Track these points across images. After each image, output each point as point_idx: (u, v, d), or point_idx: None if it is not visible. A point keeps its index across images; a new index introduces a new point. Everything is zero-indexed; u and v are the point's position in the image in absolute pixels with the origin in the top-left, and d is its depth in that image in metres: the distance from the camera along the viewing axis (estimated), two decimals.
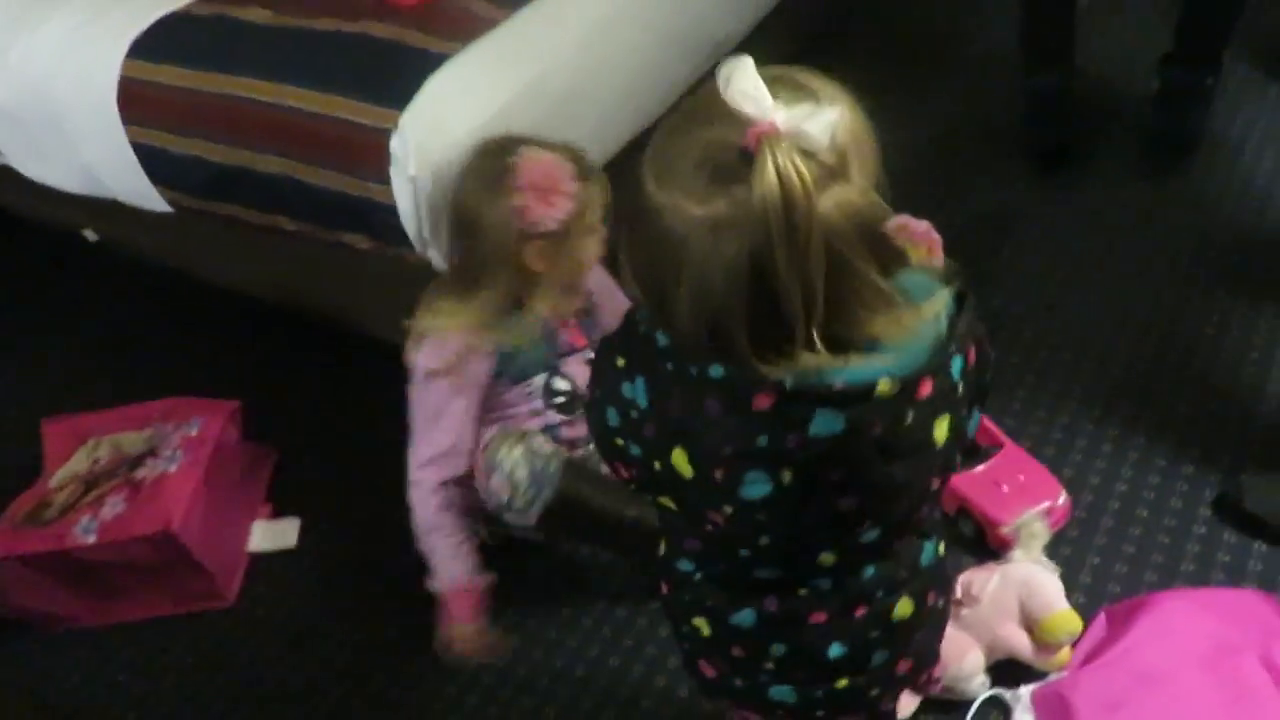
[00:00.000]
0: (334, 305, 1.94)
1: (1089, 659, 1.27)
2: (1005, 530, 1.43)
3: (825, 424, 0.75)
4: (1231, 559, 1.43)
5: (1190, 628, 1.25)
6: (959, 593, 1.36)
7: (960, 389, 0.80)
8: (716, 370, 0.75)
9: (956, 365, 0.79)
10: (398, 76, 1.52)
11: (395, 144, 1.48)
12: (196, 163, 1.73)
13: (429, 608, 1.46)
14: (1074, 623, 1.29)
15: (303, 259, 1.84)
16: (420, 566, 1.43)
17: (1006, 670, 1.33)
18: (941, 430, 0.79)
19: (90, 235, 2.26)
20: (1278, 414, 1.59)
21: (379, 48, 1.57)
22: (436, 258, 1.58)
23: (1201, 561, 1.43)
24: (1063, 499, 1.48)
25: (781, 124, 0.68)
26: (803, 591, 0.89)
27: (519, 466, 1.36)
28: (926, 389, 0.77)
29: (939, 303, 0.77)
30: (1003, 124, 2.19)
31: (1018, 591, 1.32)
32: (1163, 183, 2.03)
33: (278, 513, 1.79)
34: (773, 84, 0.70)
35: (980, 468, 1.51)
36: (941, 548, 0.96)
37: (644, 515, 1.35)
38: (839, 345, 0.73)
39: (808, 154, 0.69)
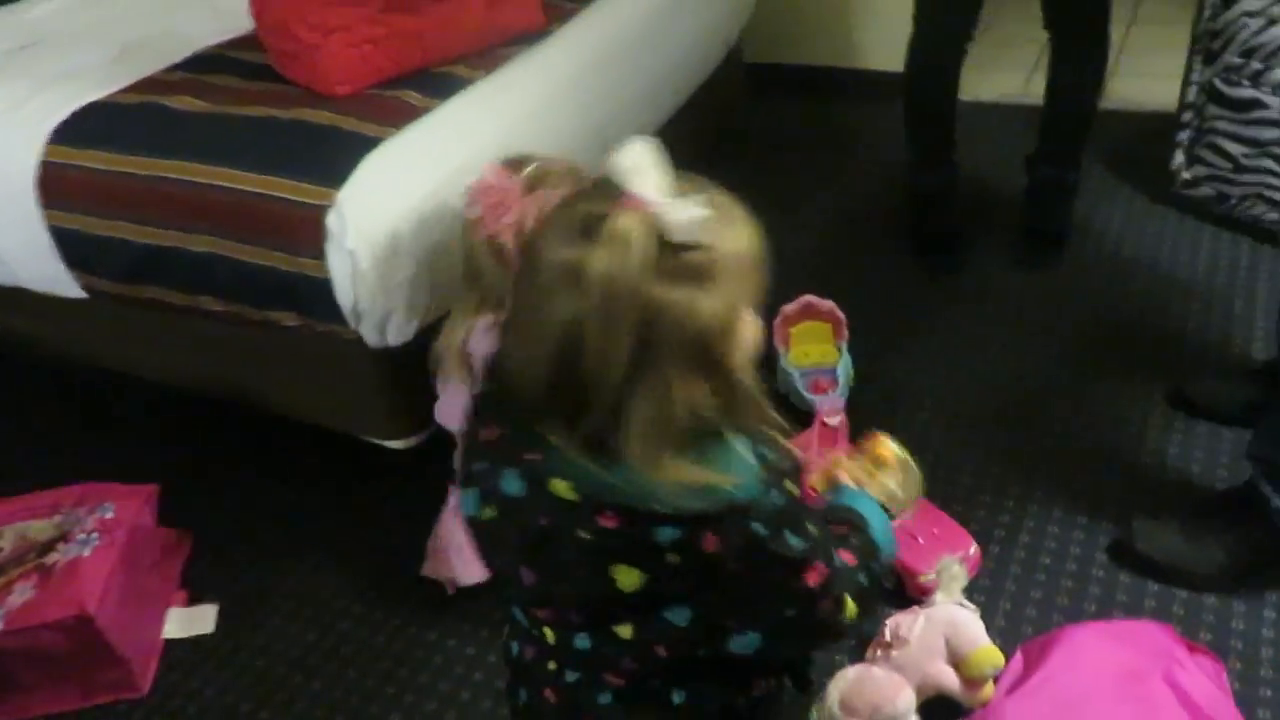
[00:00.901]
0: (250, 388, 1.92)
1: (1010, 691, 1.34)
2: (924, 579, 1.51)
3: (509, 484, 0.79)
4: (1128, 598, 1.54)
5: (1100, 655, 1.34)
6: (887, 635, 1.42)
7: (669, 560, 0.76)
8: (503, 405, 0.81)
9: (667, 533, 0.75)
10: (333, 157, 1.58)
11: (332, 219, 1.53)
12: (119, 245, 1.73)
13: (351, 694, 1.47)
14: (997, 656, 1.36)
15: (220, 343, 1.84)
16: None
17: (936, 712, 1.39)
18: (624, 577, 0.77)
19: None
20: (1156, 469, 1.74)
21: (313, 131, 1.63)
22: (369, 332, 1.61)
23: (1102, 601, 1.54)
24: (974, 549, 1.57)
25: (648, 201, 0.70)
26: (530, 649, 0.93)
27: None
28: (609, 522, 0.75)
29: (723, 480, 0.74)
30: (892, 218, 2.38)
31: (943, 630, 1.39)
32: (1037, 269, 2.22)
33: (194, 599, 1.74)
34: (673, 177, 0.73)
35: (896, 524, 1.59)
36: None
37: None
38: (592, 444, 0.73)
39: (667, 242, 0.70)
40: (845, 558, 0.92)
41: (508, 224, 1.40)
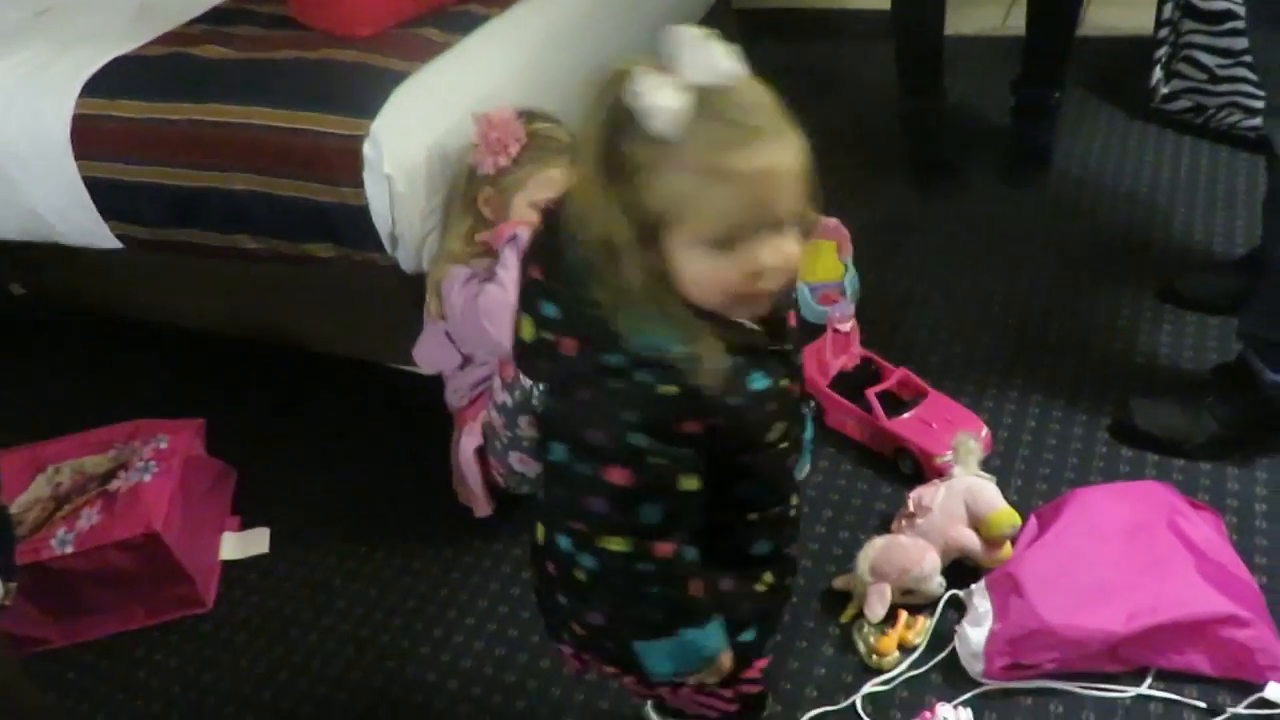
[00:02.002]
0: (286, 326, 2.01)
1: (1027, 548, 1.44)
2: (940, 460, 1.61)
3: (546, 309, 0.91)
4: (1130, 469, 1.65)
5: (1108, 511, 1.44)
6: (910, 507, 1.52)
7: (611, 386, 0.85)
8: None
9: (617, 358, 0.85)
10: (364, 91, 1.66)
11: (368, 148, 1.61)
12: (154, 191, 1.81)
13: (408, 602, 1.58)
14: (1014, 517, 1.47)
15: (256, 282, 1.92)
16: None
17: (960, 575, 1.49)
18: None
19: (16, 289, 2.27)
20: (1151, 357, 1.84)
21: (342, 69, 1.71)
22: (405, 257, 1.70)
23: (1106, 474, 1.64)
24: (985, 432, 1.67)
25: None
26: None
27: None
28: (569, 348, 0.88)
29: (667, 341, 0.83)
30: (887, 146, 2.47)
31: (963, 497, 1.49)
32: (1025, 186, 2.32)
33: (246, 525, 1.83)
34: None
35: (910, 413, 1.70)
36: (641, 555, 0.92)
37: None
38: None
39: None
40: None
41: (499, 164, 1.54)
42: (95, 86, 1.84)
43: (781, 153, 0.84)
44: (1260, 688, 1.30)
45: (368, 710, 1.50)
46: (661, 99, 0.79)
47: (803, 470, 1.07)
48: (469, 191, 1.60)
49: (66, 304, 2.23)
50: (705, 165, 0.80)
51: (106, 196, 1.86)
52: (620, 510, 0.89)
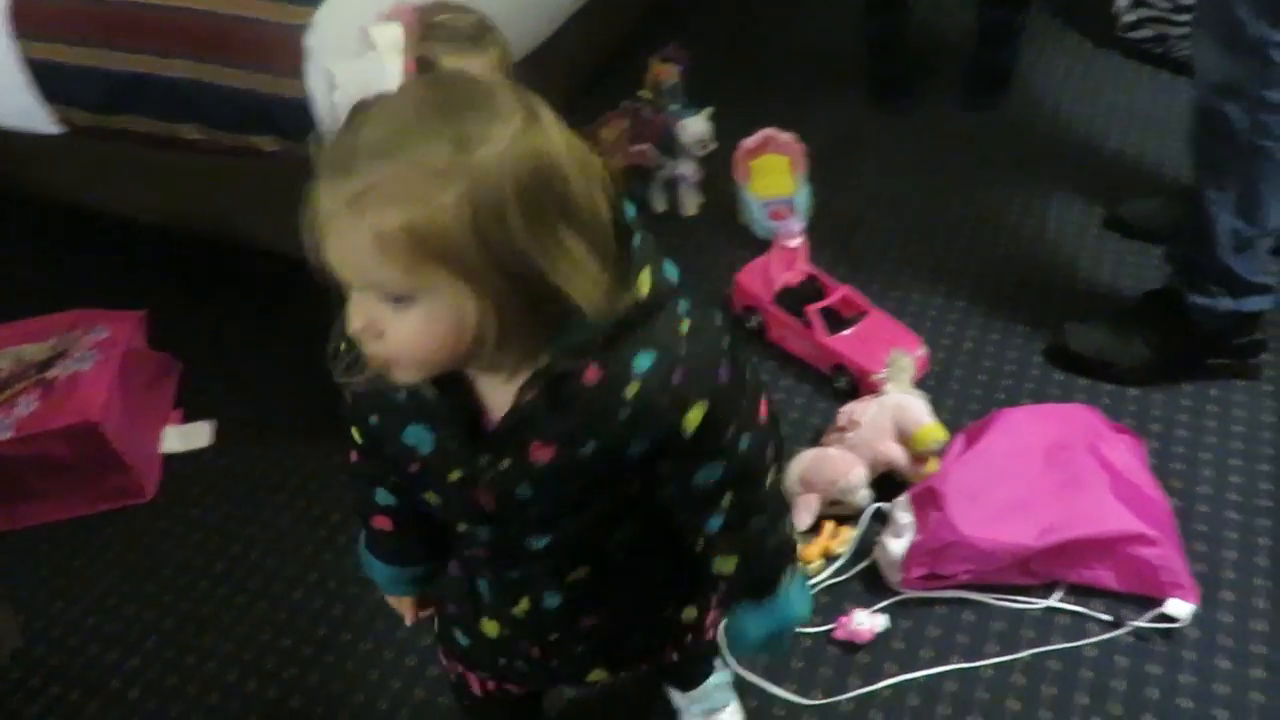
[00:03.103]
0: (229, 221, 1.98)
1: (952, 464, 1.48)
2: (875, 377, 1.64)
3: None
4: (1061, 392, 1.69)
5: (1031, 431, 1.48)
6: (842, 421, 1.55)
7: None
8: None
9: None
10: None
11: (310, 38, 1.57)
12: (95, 74, 1.76)
13: (348, 496, 1.54)
14: (941, 433, 1.50)
15: (199, 175, 1.88)
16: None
17: (888, 489, 1.53)
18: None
19: None
20: (1091, 283, 1.87)
21: None
22: None
23: (1037, 396, 1.68)
24: (921, 350, 1.70)
25: None
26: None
27: None
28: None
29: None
30: (848, 63, 2.45)
31: (892, 413, 1.52)
32: (984, 108, 2.32)
33: (188, 418, 1.83)
34: None
35: (850, 331, 1.72)
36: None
37: None
38: None
39: None
40: None
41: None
42: None
43: (342, 197, 0.66)
44: (1161, 603, 1.35)
45: (301, 601, 1.53)
46: None
47: None
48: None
49: (8, 192, 2.18)
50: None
51: (47, 79, 1.81)
52: None
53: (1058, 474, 1.42)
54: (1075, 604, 1.39)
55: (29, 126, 1.91)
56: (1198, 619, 1.35)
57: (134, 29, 1.69)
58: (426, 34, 1.51)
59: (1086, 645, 1.35)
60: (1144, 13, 2.36)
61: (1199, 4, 1.49)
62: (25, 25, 1.77)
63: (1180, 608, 1.34)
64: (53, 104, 1.84)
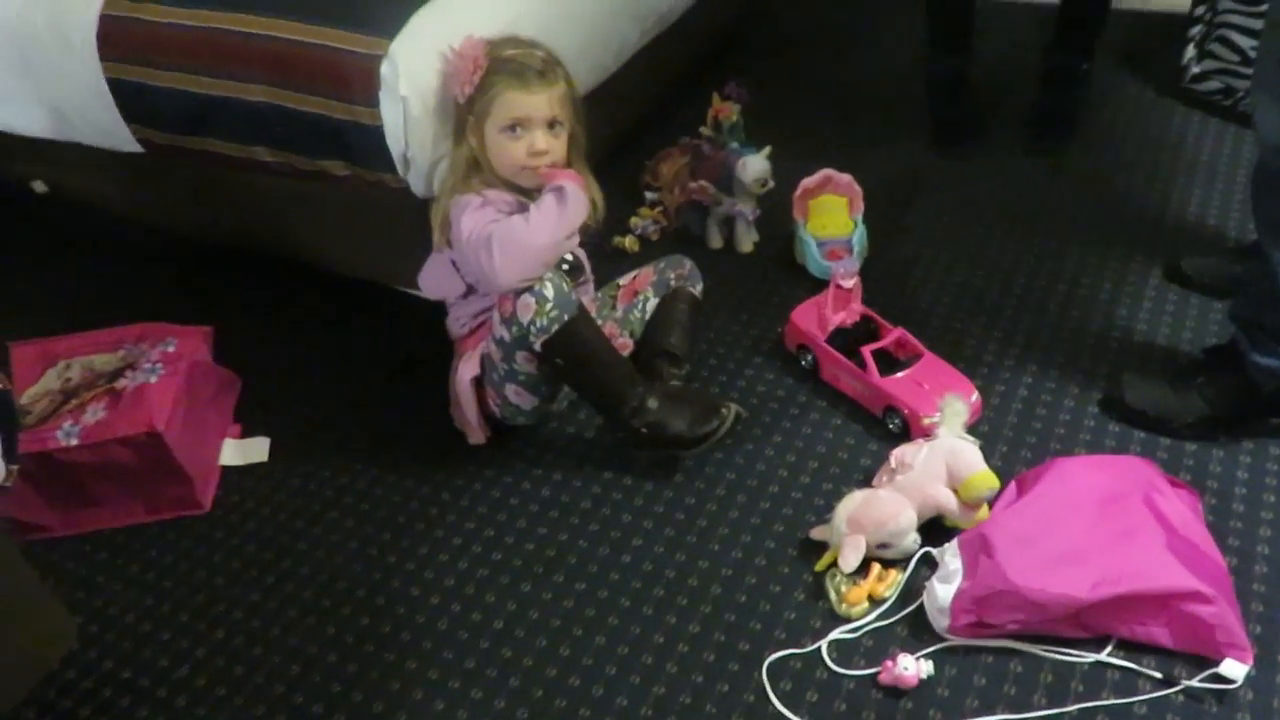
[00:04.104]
0: (297, 241, 2.04)
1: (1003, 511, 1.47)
2: (928, 421, 1.63)
3: None
4: (1116, 444, 1.67)
5: (1085, 481, 1.46)
6: (893, 463, 1.55)
7: None
8: None
9: None
10: (386, 10, 1.67)
11: (385, 68, 1.62)
12: (176, 96, 1.82)
13: (398, 517, 1.65)
14: (992, 480, 1.49)
15: (271, 196, 1.94)
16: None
17: (936, 534, 1.52)
18: None
19: (39, 187, 2.30)
20: (1150, 336, 1.85)
21: None
22: (417, 181, 1.72)
23: (1092, 447, 1.66)
24: (975, 397, 1.69)
25: None
26: None
27: (548, 285, 1.53)
28: None
29: None
30: (911, 107, 2.46)
31: (944, 457, 1.51)
32: (1046, 154, 2.31)
33: (247, 432, 1.87)
34: None
35: (903, 373, 1.72)
36: None
37: (627, 364, 1.58)
38: None
39: None
40: None
41: (465, 93, 1.58)
42: None
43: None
44: (1216, 663, 1.33)
45: (350, 617, 1.55)
46: None
47: None
48: (458, 124, 1.62)
49: (86, 205, 2.26)
50: None
51: (129, 99, 1.88)
52: None
53: (1112, 526, 1.41)
54: (1126, 660, 1.37)
55: (110, 144, 1.98)
56: (1253, 681, 1.33)
57: (216, 53, 1.76)
58: (497, 68, 1.55)
59: (1137, 703, 1.33)
60: (1211, 64, 2.35)
61: (1258, 65, 1.48)
62: (110, 48, 1.84)
63: (1236, 669, 1.31)
64: (132, 123, 1.91)
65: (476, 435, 1.74)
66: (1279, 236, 1.48)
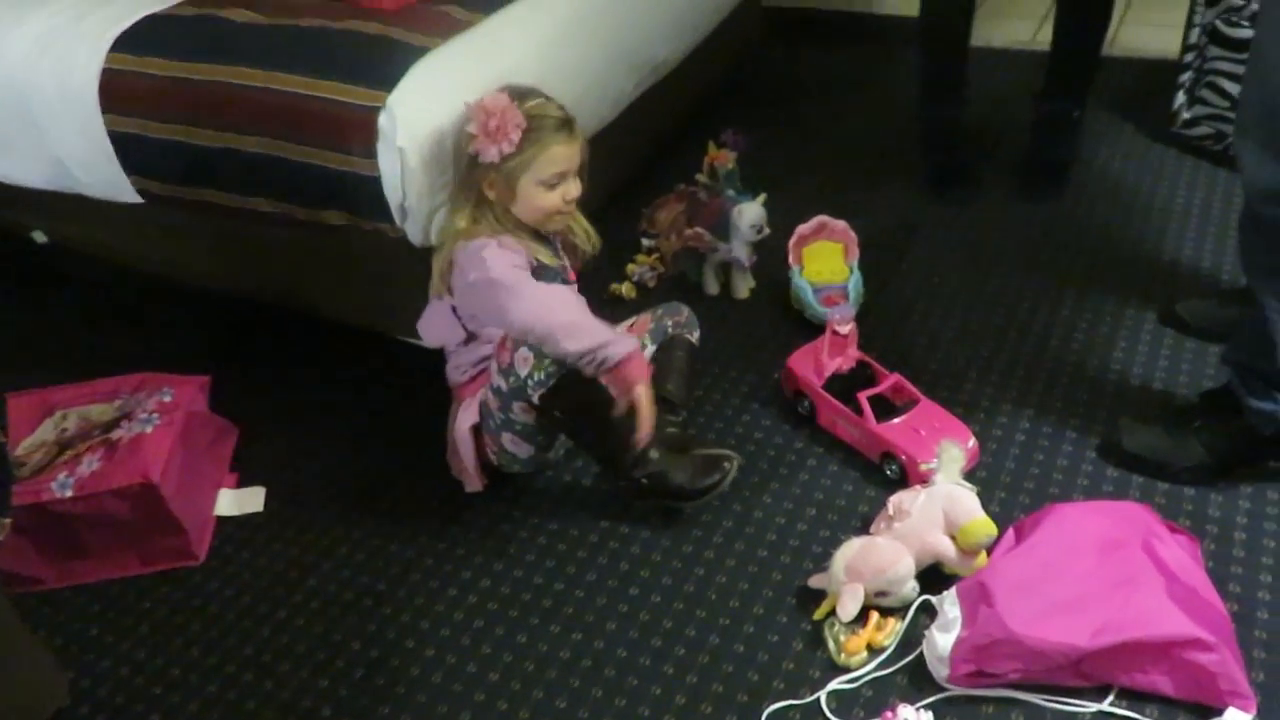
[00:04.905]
0: (296, 291, 2.05)
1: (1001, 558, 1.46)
2: (925, 467, 1.63)
3: None
4: (1114, 488, 1.66)
5: (1085, 526, 1.46)
6: (890, 510, 1.54)
7: None
8: None
9: None
10: (385, 63, 1.69)
11: (383, 120, 1.64)
12: (176, 148, 1.84)
13: (393, 568, 1.64)
14: (990, 527, 1.48)
15: (269, 246, 1.96)
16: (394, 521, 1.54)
17: (934, 581, 1.51)
18: None
19: (39, 237, 2.32)
20: (1146, 380, 1.85)
21: (365, 40, 1.74)
22: (414, 230, 1.73)
23: (1090, 492, 1.66)
24: (972, 443, 1.69)
25: None
26: None
27: None
28: None
29: None
30: (906, 153, 2.49)
31: (942, 504, 1.51)
32: (1040, 200, 2.33)
33: (243, 482, 1.86)
34: None
35: (900, 419, 1.72)
36: None
37: (627, 416, 1.55)
38: None
39: None
40: None
41: (504, 151, 1.57)
42: (126, 42, 1.88)
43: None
44: (1220, 712, 1.31)
45: (345, 670, 1.53)
46: None
47: None
48: (470, 178, 1.62)
49: (86, 255, 2.27)
50: None
51: (130, 151, 1.90)
52: None
53: (1111, 573, 1.40)
54: (1129, 709, 1.35)
55: (111, 195, 2.00)
56: None
57: (218, 107, 1.78)
58: (537, 124, 1.58)
59: None
60: (1201, 110, 2.37)
61: (1240, 112, 1.49)
62: (112, 101, 1.86)
63: (1239, 718, 1.30)
64: (133, 175, 1.93)
65: (474, 483, 1.73)
66: (1268, 280, 1.49)
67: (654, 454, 1.61)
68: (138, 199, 1.97)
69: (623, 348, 1.53)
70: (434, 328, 1.74)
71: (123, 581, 1.71)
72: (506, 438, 1.67)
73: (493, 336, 1.65)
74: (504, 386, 1.60)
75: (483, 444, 1.70)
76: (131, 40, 1.87)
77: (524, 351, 1.55)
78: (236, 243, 2.00)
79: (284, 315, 2.10)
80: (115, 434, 1.72)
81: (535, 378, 1.55)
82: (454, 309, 1.68)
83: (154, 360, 1.94)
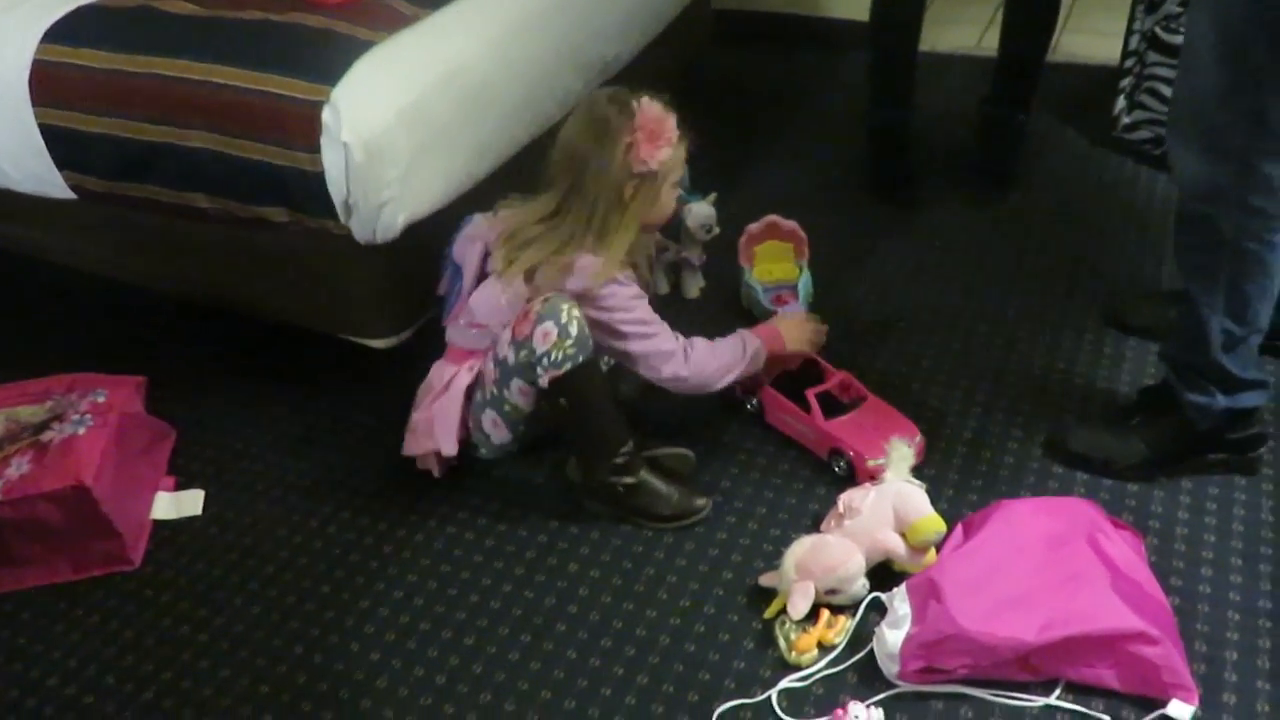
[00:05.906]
0: (237, 290, 1.99)
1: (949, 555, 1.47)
2: (873, 464, 1.63)
3: None
4: (1060, 485, 1.68)
5: (1031, 524, 1.47)
6: (840, 508, 1.54)
7: None
8: None
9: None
10: (329, 57, 1.65)
11: (327, 114, 1.60)
12: (111, 143, 1.79)
13: (336, 572, 1.61)
14: (939, 524, 1.49)
15: (208, 244, 1.90)
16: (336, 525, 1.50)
17: (885, 578, 1.51)
18: None
19: None
20: (1089, 378, 1.88)
21: (308, 34, 1.70)
22: (359, 227, 1.69)
23: (1036, 489, 1.67)
24: (919, 439, 1.69)
25: None
26: None
27: (574, 322, 1.50)
28: None
29: None
30: (852, 157, 2.50)
31: (891, 502, 1.51)
32: (985, 205, 2.36)
33: (181, 486, 1.81)
34: None
35: (847, 416, 1.72)
36: None
37: (623, 418, 1.58)
38: None
39: None
40: None
41: (659, 159, 1.52)
42: (57, 33, 1.82)
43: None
44: (1163, 704, 1.33)
45: (287, 675, 1.49)
46: None
47: None
48: (611, 187, 1.53)
49: (16, 252, 2.20)
50: None
51: (62, 146, 1.84)
52: None
53: (1058, 569, 1.41)
54: (1076, 703, 1.36)
55: (42, 191, 1.94)
56: None
57: (155, 101, 1.73)
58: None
59: None
60: (1141, 115, 2.41)
61: (1173, 112, 1.52)
62: (44, 94, 1.81)
63: (1182, 710, 1.31)
64: (66, 170, 1.87)
65: (436, 457, 1.67)
66: (1198, 277, 1.52)
67: (644, 473, 1.63)
68: (70, 195, 1.91)
69: (753, 345, 1.68)
70: (488, 306, 1.61)
71: (54, 589, 1.66)
72: (488, 418, 1.62)
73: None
74: (512, 359, 1.55)
75: (465, 416, 1.65)
76: (64, 30, 1.82)
77: (547, 325, 1.50)
78: (174, 240, 1.94)
79: (225, 314, 2.05)
80: (46, 436, 1.66)
81: (552, 356, 1.50)
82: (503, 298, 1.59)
83: (88, 361, 1.88)
